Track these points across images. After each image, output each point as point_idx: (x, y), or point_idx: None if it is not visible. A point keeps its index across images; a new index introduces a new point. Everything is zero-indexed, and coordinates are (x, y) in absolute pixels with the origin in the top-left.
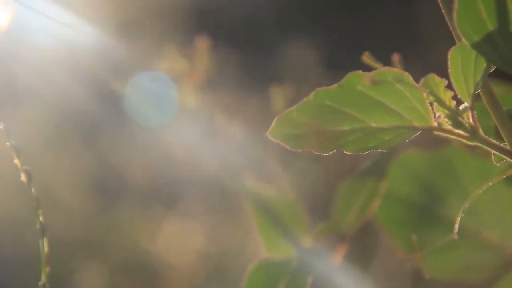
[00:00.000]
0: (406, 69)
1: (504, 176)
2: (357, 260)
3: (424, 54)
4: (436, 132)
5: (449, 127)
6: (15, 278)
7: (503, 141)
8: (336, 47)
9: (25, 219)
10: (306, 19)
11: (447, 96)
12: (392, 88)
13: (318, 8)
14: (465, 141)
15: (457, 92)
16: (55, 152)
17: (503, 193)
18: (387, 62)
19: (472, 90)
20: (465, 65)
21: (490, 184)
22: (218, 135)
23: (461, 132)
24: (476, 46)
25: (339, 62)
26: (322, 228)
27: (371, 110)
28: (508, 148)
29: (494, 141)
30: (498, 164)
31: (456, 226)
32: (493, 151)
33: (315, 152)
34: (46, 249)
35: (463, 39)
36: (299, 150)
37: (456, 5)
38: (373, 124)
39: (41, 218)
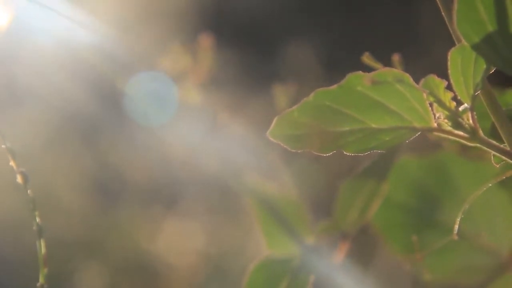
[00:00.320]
0: (406, 70)
1: (504, 177)
2: (359, 259)
3: (424, 55)
4: (435, 133)
5: (449, 128)
6: (14, 279)
7: (499, 142)
8: (336, 47)
9: (24, 220)
10: (307, 19)
11: (447, 97)
12: (392, 88)
13: (319, 8)
14: (465, 142)
15: (457, 93)
16: (55, 152)
17: (500, 196)
18: (387, 62)
19: (472, 91)
20: (465, 66)
21: (490, 185)
22: (220, 134)
23: (461, 133)
24: (475, 47)
25: (339, 62)
26: (324, 226)
27: (371, 111)
28: (508, 149)
29: (494, 142)
30: (497, 166)
31: (456, 226)
32: (492, 152)
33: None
34: (43, 250)
35: (463, 40)
36: (299, 151)
37: (455, 6)
38: (373, 125)
39: (38, 219)
